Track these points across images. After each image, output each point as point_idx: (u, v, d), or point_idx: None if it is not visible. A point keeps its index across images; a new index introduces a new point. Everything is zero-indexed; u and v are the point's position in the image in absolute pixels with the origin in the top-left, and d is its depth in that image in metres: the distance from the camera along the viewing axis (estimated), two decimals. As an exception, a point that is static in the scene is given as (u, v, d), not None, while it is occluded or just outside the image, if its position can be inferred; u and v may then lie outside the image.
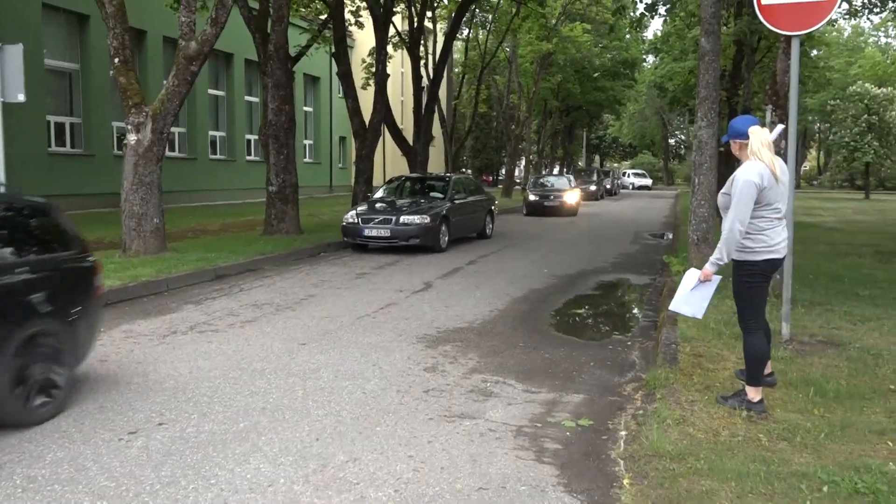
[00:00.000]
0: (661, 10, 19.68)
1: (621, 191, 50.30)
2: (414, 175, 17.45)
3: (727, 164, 18.81)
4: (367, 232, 13.01)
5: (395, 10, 20.65)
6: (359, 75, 23.37)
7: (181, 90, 11.05)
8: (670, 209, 29.37)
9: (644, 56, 44.66)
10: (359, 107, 17.67)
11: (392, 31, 21.91)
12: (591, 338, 7.04)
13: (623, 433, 4.25)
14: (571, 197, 24.08)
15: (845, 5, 18.37)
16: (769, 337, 4.87)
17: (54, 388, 4.46)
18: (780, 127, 5.42)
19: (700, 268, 4.81)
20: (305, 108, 33.69)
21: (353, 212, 13.67)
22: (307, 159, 33.88)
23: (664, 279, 9.87)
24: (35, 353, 4.34)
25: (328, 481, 3.58)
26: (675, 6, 20.04)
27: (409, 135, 22.56)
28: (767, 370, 4.86)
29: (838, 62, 51.82)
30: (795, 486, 3.38)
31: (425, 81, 22.69)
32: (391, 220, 13.00)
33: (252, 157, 28.77)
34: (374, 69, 19.49)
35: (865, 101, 40.91)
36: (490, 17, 31.17)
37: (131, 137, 10.70)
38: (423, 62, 23.06)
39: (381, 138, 19.51)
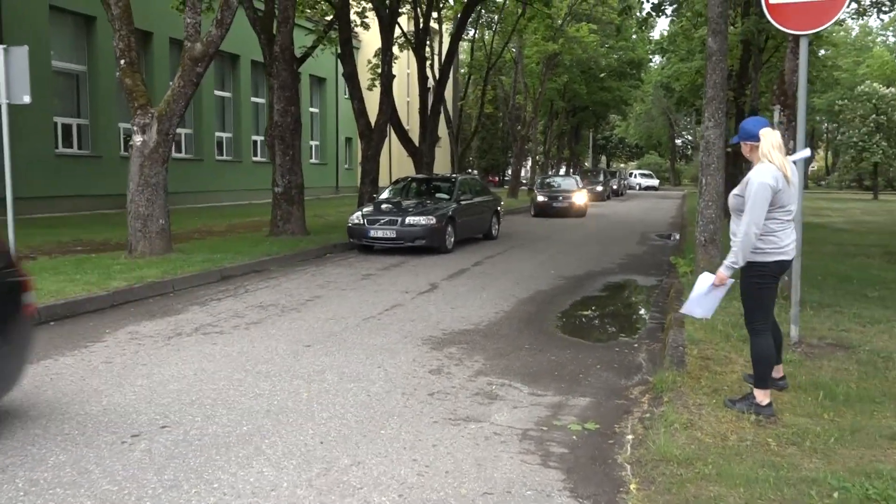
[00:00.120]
0: (668, 9, 19.60)
1: (628, 191, 50.18)
2: (420, 176, 17.43)
3: (734, 164, 18.75)
4: (372, 233, 12.99)
5: (400, 10, 20.64)
6: (365, 76, 23.39)
7: (187, 91, 11.05)
8: (677, 210, 29.27)
9: (650, 56, 44.54)
10: (364, 108, 17.67)
11: (398, 31, 21.91)
12: (598, 340, 6.99)
13: (630, 437, 4.21)
14: (580, 198, 23.97)
15: (854, 4, 18.26)
16: (780, 340, 4.83)
17: None
18: (805, 152, 5.42)
19: (709, 270, 4.77)
20: (311, 109, 33.73)
21: (359, 213, 13.65)
22: (313, 160, 33.91)
23: (671, 280, 9.81)
24: None
25: (331, 485, 3.55)
26: (682, 6, 19.97)
27: (415, 136, 22.54)
28: (779, 374, 4.81)
29: (846, 62, 51.61)
30: (805, 493, 3.33)
31: (431, 82, 22.67)
32: (397, 221, 12.98)
33: (258, 159, 28.82)
34: (379, 70, 19.49)
35: (874, 101, 40.71)
36: (496, 17, 31.18)
37: (137, 139, 10.71)
38: (428, 63, 23.04)
39: (387, 139, 19.50)
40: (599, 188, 35.19)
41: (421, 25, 21.36)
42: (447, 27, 29.29)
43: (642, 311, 8.68)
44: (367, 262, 11.96)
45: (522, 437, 4.23)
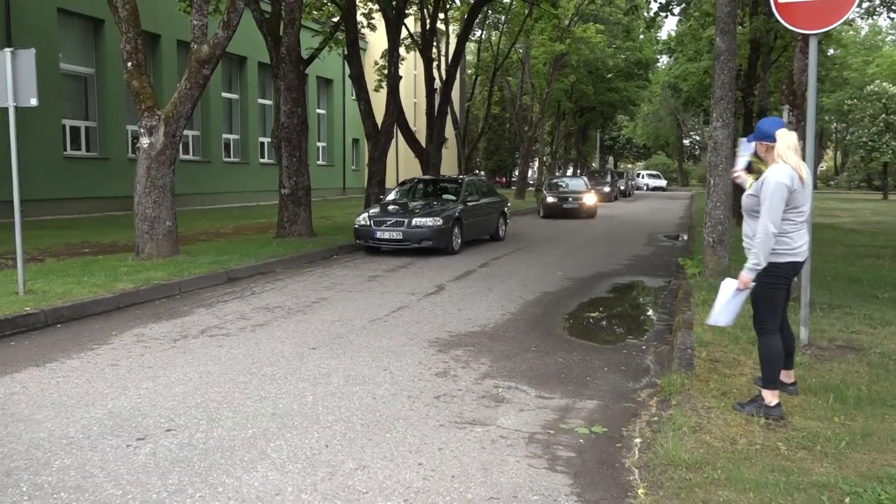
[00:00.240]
0: (676, 9, 19.52)
1: (635, 192, 50.04)
2: (426, 177, 17.40)
3: (743, 164, 18.62)
4: (379, 234, 12.97)
5: (407, 11, 20.63)
6: (371, 77, 23.39)
7: (193, 93, 11.06)
8: (685, 210, 29.15)
9: (658, 56, 44.42)
10: (371, 109, 17.66)
11: (404, 32, 21.91)
12: (605, 342, 6.94)
13: (638, 441, 4.17)
14: (591, 199, 23.86)
15: (865, 3, 18.14)
16: (793, 346, 4.79)
17: None
18: (748, 148, 5.05)
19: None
20: (318, 111, 33.77)
21: (366, 214, 13.64)
22: (320, 161, 33.96)
23: (679, 282, 9.75)
24: None
25: (336, 490, 3.52)
26: (690, 5, 19.88)
27: (421, 137, 22.52)
28: (790, 379, 4.76)
29: (856, 61, 51.32)
30: (816, 498, 3.28)
31: (438, 83, 22.65)
32: (403, 222, 12.96)
33: (265, 160, 28.87)
34: (386, 71, 19.48)
35: (883, 101, 40.48)
36: (503, 18, 31.11)
37: (144, 141, 10.72)
38: (435, 64, 23.04)
39: (393, 140, 19.48)
40: (607, 189, 35.07)
41: (428, 26, 21.35)
42: (454, 28, 29.28)
43: (650, 313, 8.62)
44: (374, 263, 11.95)
45: (529, 441, 4.19)
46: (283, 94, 14.25)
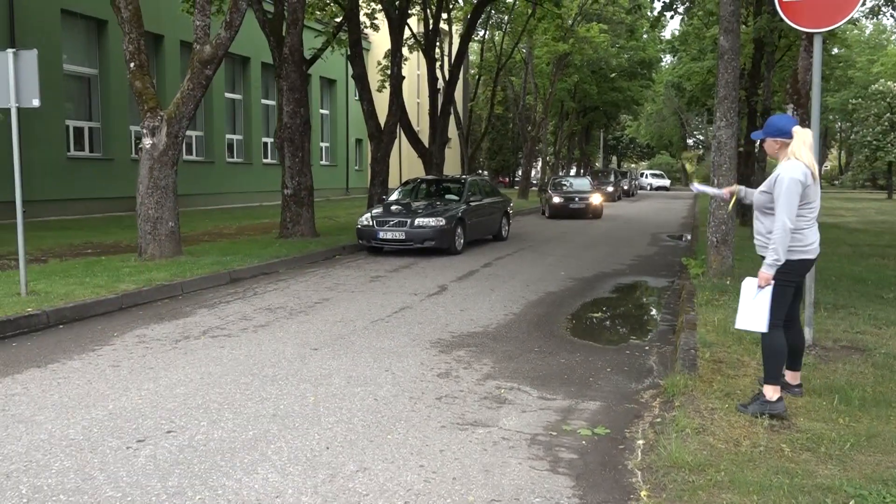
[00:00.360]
0: (680, 8, 19.46)
1: (639, 192, 49.96)
2: (429, 177, 17.38)
3: (746, 164, 18.58)
4: (382, 234, 12.95)
5: (410, 11, 20.61)
6: (374, 77, 23.41)
7: (196, 94, 11.06)
8: (688, 210, 29.08)
9: (661, 56, 44.33)
10: (374, 109, 17.64)
11: (407, 32, 21.88)
12: (608, 342, 6.91)
13: (640, 442, 4.14)
14: (597, 198, 23.78)
15: (869, 3, 18.06)
16: (802, 347, 4.76)
17: None
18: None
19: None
20: (322, 111, 33.79)
21: (368, 214, 13.62)
22: (324, 162, 33.97)
23: (683, 282, 9.70)
24: None
25: (337, 492, 3.50)
26: (694, 5, 19.82)
27: (425, 137, 22.50)
28: (796, 381, 4.73)
29: (860, 60, 51.14)
30: (820, 500, 3.25)
31: (441, 83, 22.63)
32: (406, 222, 12.94)
33: (268, 161, 28.90)
34: (389, 71, 19.47)
35: (888, 100, 40.29)
36: (506, 18, 31.09)
37: (147, 141, 10.72)
38: (438, 64, 22.99)
39: (396, 140, 19.47)
40: (610, 188, 34.96)
41: (431, 26, 21.33)
42: (457, 28, 29.26)
43: (653, 314, 8.59)
44: (377, 263, 11.93)
45: (531, 443, 4.17)
46: (286, 94, 14.24)
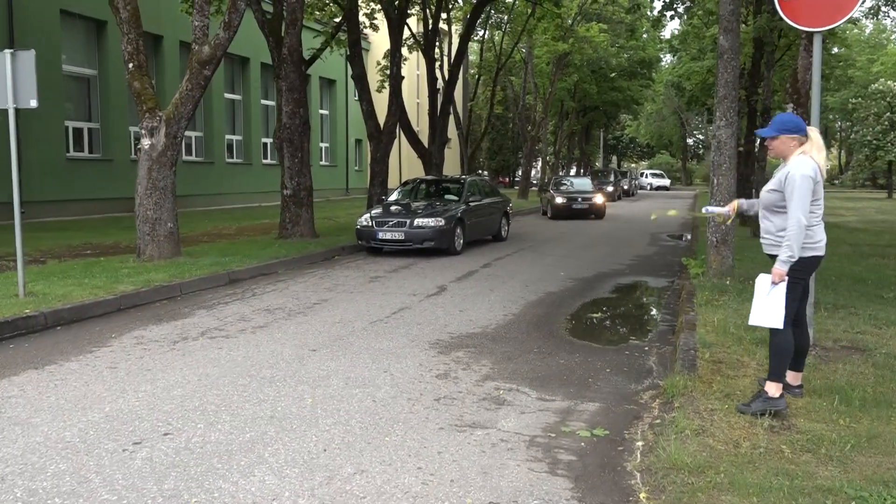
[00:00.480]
0: (680, 7, 19.44)
1: (639, 191, 49.93)
2: (428, 177, 17.36)
3: (746, 164, 18.55)
4: (381, 235, 12.93)
5: (409, 11, 20.58)
6: (374, 78, 23.37)
7: (195, 94, 11.04)
8: (688, 210, 29.03)
9: (661, 55, 44.31)
10: (373, 109, 17.62)
11: (407, 32, 21.86)
12: (608, 343, 6.88)
13: (640, 444, 4.11)
14: (600, 198, 23.74)
15: (868, 2, 18.04)
16: (808, 345, 4.75)
17: None
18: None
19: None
20: (321, 111, 33.76)
21: (368, 215, 13.60)
22: (323, 162, 33.94)
23: (682, 282, 9.68)
24: None
25: (334, 495, 3.48)
26: (694, 4, 19.80)
27: (424, 137, 22.48)
28: (797, 382, 4.71)
29: (860, 60, 51.11)
30: (820, 502, 3.23)
31: (440, 83, 22.62)
32: (405, 222, 12.92)
33: (268, 161, 28.87)
34: (388, 71, 19.44)
35: (888, 99, 40.28)
36: (505, 17, 31.06)
37: (145, 142, 10.70)
38: (438, 64, 22.97)
39: (396, 141, 19.44)
40: (610, 188, 34.90)
41: (430, 26, 21.31)
42: (456, 28, 29.22)
43: (653, 314, 8.57)
44: (376, 264, 11.91)
45: (530, 444, 4.14)
46: (285, 94, 14.22)
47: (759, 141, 17.50)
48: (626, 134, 78.79)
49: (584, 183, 26.18)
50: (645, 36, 39.74)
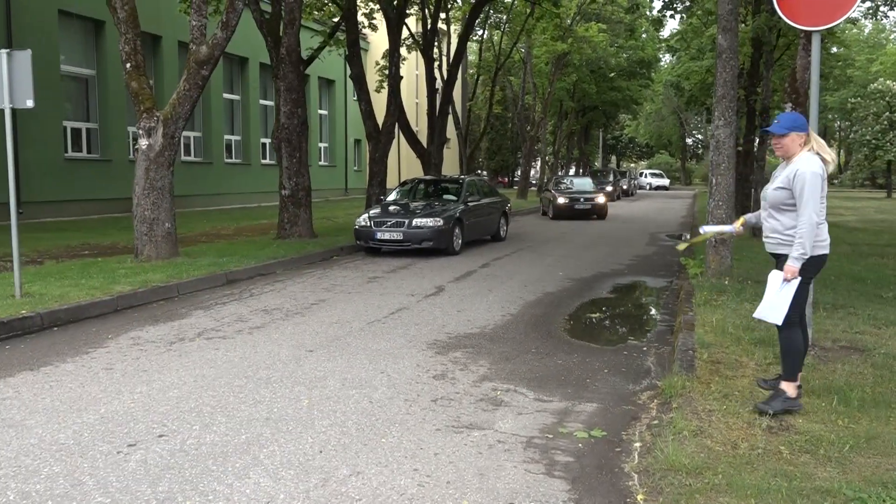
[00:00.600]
0: (679, 7, 19.43)
1: (638, 191, 49.92)
2: (427, 177, 17.34)
3: (745, 164, 18.53)
4: (379, 235, 12.91)
5: (408, 11, 20.56)
6: (373, 78, 23.33)
7: (192, 94, 11.01)
8: (688, 209, 29.06)
9: (660, 55, 44.28)
10: (372, 109, 17.60)
11: (406, 32, 21.83)
12: (606, 343, 6.86)
13: (637, 445, 4.09)
14: (602, 198, 23.68)
15: (868, 1, 18.03)
16: (807, 345, 4.73)
17: None
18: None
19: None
20: (320, 111, 33.73)
21: (366, 215, 13.58)
22: (322, 162, 33.91)
23: (681, 282, 9.66)
24: None
25: (329, 497, 3.45)
26: (693, 3, 19.79)
27: (423, 137, 22.47)
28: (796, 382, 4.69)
29: (859, 59, 51.11)
30: (819, 504, 3.21)
31: (439, 83, 22.59)
32: (404, 222, 12.89)
33: (267, 161, 28.84)
34: (387, 71, 19.42)
35: (887, 99, 40.31)
36: (504, 17, 31.03)
37: (143, 142, 10.68)
38: (436, 64, 22.96)
39: (395, 141, 19.41)
40: (609, 188, 34.86)
41: (429, 26, 21.29)
42: (455, 28, 29.20)
43: (651, 314, 8.54)
44: (374, 264, 11.88)
45: (527, 446, 4.12)
46: (283, 94, 14.20)
47: (758, 140, 17.49)
48: (626, 134, 78.76)
49: (586, 183, 26.11)
50: (644, 36, 39.71)
